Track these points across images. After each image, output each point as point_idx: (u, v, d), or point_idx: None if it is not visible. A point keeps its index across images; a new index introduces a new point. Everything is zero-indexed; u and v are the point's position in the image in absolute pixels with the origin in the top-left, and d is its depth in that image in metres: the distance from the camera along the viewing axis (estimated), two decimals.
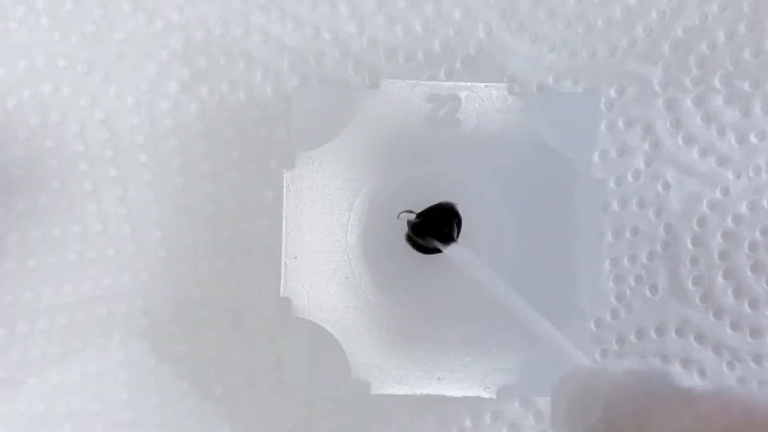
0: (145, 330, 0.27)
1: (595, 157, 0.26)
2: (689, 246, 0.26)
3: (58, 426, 0.27)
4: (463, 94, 0.25)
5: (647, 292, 0.27)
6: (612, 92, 0.26)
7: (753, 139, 0.26)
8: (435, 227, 0.24)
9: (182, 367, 0.27)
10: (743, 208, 0.26)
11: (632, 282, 0.27)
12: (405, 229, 0.25)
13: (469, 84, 0.25)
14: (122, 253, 0.27)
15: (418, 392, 0.25)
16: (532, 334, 0.22)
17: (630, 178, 0.27)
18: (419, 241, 0.25)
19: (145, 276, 0.27)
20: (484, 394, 0.25)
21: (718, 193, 0.26)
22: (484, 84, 0.25)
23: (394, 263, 0.25)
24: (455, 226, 0.25)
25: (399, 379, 0.25)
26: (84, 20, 0.26)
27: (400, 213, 0.25)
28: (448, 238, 0.24)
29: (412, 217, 0.25)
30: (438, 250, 0.24)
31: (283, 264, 0.25)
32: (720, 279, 0.26)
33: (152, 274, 0.27)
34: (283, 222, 0.25)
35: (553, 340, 0.22)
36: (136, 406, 0.27)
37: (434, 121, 0.25)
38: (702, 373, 0.27)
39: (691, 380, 0.27)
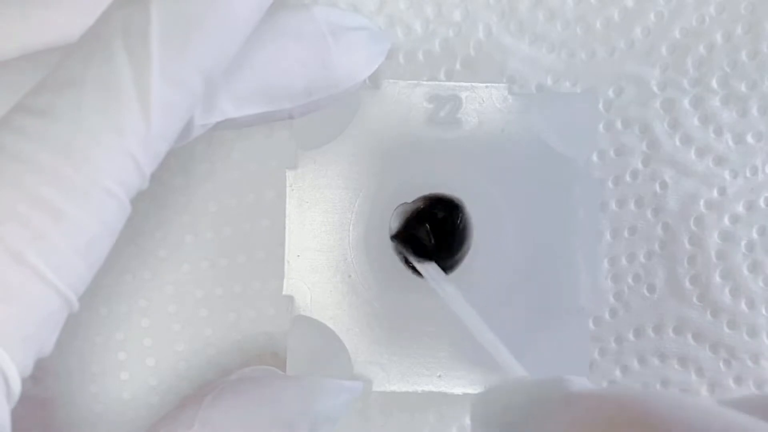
0: (146, 329, 0.27)
1: (594, 157, 0.27)
2: (687, 245, 0.27)
3: None
4: (463, 95, 0.25)
5: (645, 291, 0.27)
6: (610, 93, 0.27)
7: (750, 139, 0.26)
8: (414, 240, 0.25)
9: (183, 367, 0.27)
10: (740, 208, 0.27)
11: (630, 281, 0.27)
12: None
13: (469, 84, 0.25)
14: (123, 253, 0.27)
15: (419, 389, 0.25)
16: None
17: (628, 177, 0.27)
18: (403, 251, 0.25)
19: (146, 275, 0.27)
20: None
21: (715, 193, 0.27)
22: (485, 84, 0.25)
23: (395, 262, 0.25)
24: (431, 236, 0.25)
25: (400, 376, 0.25)
26: None
27: (398, 207, 0.25)
28: (425, 253, 0.25)
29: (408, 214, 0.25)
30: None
31: (285, 262, 0.25)
32: (717, 278, 0.27)
33: (153, 273, 0.27)
34: (286, 221, 0.25)
35: (498, 353, 0.22)
36: (137, 405, 0.27)
37: (435, 121, 0.25)
38: (699, 372, 0.27)
39: (688, 378, 0.27)
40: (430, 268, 0.24)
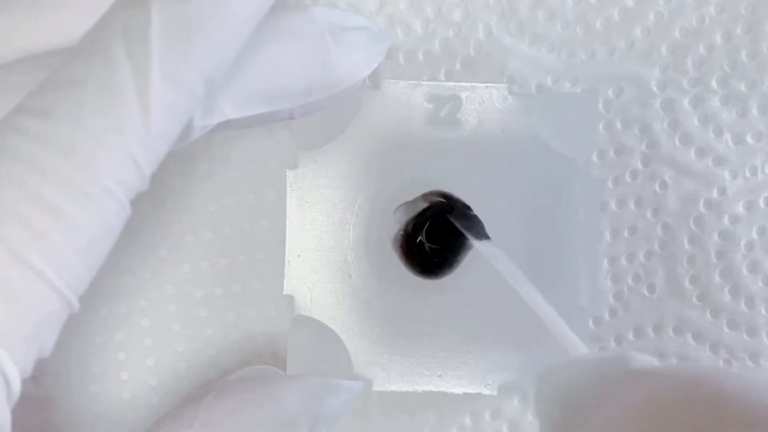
0: (146, 329, 0.27)
1: (594, 157, 0.27)
2: (686, 245, 0.27)
3: None
4: (464, 95, 0.25)
5: (645, 291, 0.27)
6: (610, 93, 0.27)
7: (750, 139, 0.26)
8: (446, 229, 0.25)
9: (183, 367, 0.27)
10: (740, 208, 0.27)
11: (630, 281, 0.27)
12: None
13: (469, 84, 0.25)
14: (123, 253, 0.27)
15: (419, 389, 0.25)
16: (539, 321, 0.23)
17: (628, 178, 0.27)
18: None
19: (146, 275, 0.27)
20: (485, 391, 0.25)
21: (715, 193, 0.27)
22: (485, 84, 0.25)
23: (395, 262, 0.25)
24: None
25: (400, 376, 0.25)
26: None
27: (397, 208, 0.25)
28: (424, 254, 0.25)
29: (406, 217, 0.25)
30: (433, 274, 0.25)
31: (286, 262, 0.25)
32: (717, 278, 0.27)
33: (153, 273, 0.27)
34: (287, 221, 0.25)
35: (555, 326, 0.22)
36: (137, 405, 0.27)
37: (435, 121, 0.25)
38: None
39: None
40: (489, 247, 0.24)
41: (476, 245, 0.24)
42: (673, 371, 0.16)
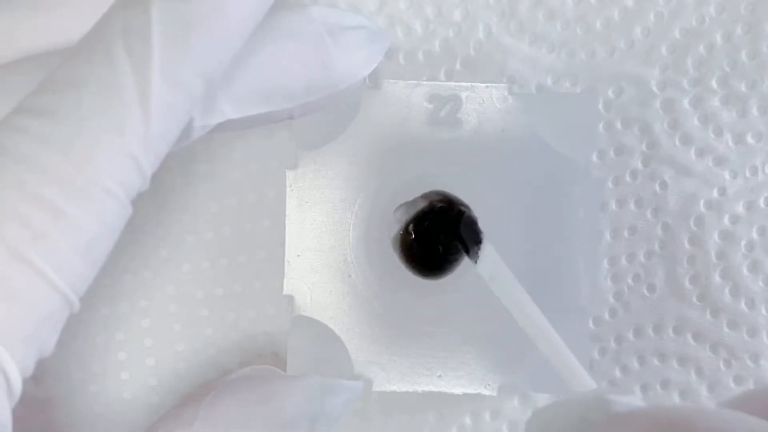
0: (147, 329, 0.27)
1: (594, 157, 0.27)
2: (686, 245, 0.27)
3: None
4: (464, 95, 0.25)
5: (645, 291, 0.27)
6: (610, 93, 0.27)
7: (750, 139, 0.26)
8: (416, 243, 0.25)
9: (183, 367, 0.27)
10: (740, 208, 0.27)
11: (630, 281, 0.27)
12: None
13: (469, 84, 0.25)
14: (123, 253, 0.27)
15: (420, 389, 0.25)
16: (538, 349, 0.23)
17: (628, 178, 0.27)
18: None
19: (147, 275, 0.27)
20: (485, 392, 0.25)
21: (715, 193, 0.27)
22: (485, 84, 0.25)
23: (395, 262, 0.25)
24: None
25: (400, 376, 0.25)
26: None
27: (397, 208, 0.25)
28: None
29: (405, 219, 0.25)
30: (433, 274, 0.25)
31: (286, 262, 0.25)
32: (717, 278, 0.27)
33: (154, 273, 0.27)
34: (286, 221, 0.25)
35: (559, 357, 0.22)
36: (137, 405, 0.27)
37: (435, 121, 0.25)
38: (699, 372, 0.27)
39: (688, 378, 0.27)
40: (488, 263, 0.24)
41: (478, 268, 0.24)
42: (651, 413, 0.16)
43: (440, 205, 0.24)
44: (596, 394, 0.17)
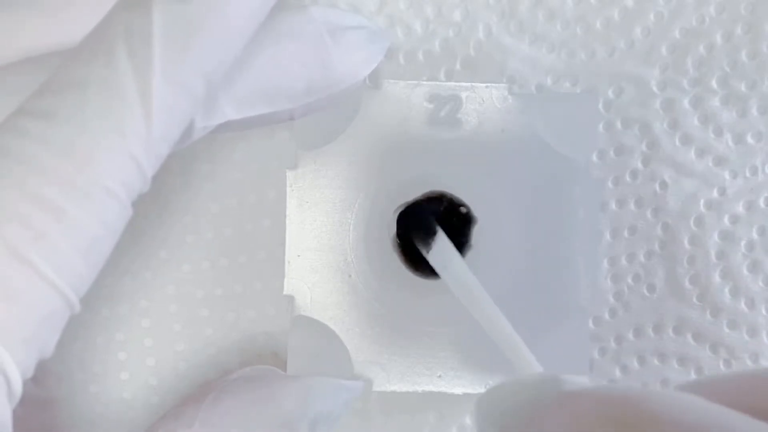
0: (147, 330, 0.27)
1: (594, 157, 0.27)
2: (686, 245, 0.27)
3: None
4: (464, 95, 0.25)
5: (645, 291, 0.27)
6: (610, 93, 0.27)
7: (750, 139, 0.26)
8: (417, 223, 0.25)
9: (183, 367, 0.27)
10: (740, 208, 0.27)
11: (630, 281, 0.27)
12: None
13: (469, 84, 0.25)
14: (124, 254, 0.27)
15: (420, 389, 0.25)
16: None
17: (628, 178, 0.27)
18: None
19: (147, 275, 0.27)
20: None
21: (715, 193, 0.27)
22: (485, 84, 0.25)
23: (395, 262, 0.25)
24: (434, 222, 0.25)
25: (400, 376, 0.25)
26: None
27: (397, 208, 0.25)
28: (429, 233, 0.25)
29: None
30: (433, 274, 0.25)
31: (286, 262, 0.25)
32: (717, 278, 0.27)
33: (154, 273, 0.27)
34: (287, 221, 0.25)
35: (507, 343, 0.22)
36: (137, 405, 0.27)
37: (435, 121, 0.25)
38: (699, 372, 0.27)
39: (688, 378, 0.27)
40: (441, 246, 0.24)
41: (429, 258, 0.24)
42: (598, 393, 0.16)
43: (433, 201, 0.25)
44: (547, 374, 0.17)
